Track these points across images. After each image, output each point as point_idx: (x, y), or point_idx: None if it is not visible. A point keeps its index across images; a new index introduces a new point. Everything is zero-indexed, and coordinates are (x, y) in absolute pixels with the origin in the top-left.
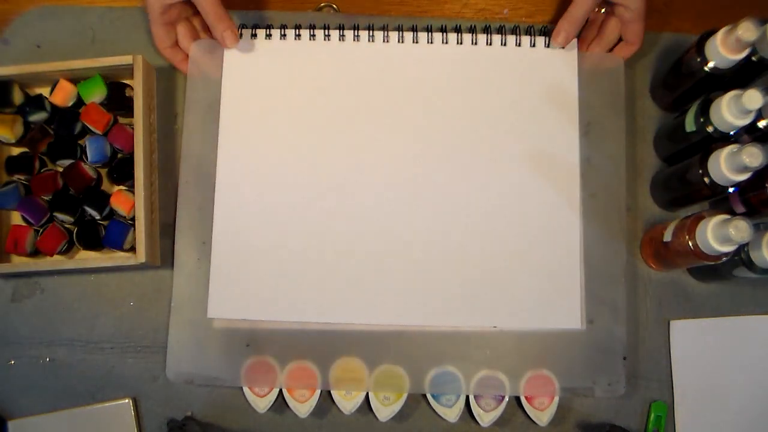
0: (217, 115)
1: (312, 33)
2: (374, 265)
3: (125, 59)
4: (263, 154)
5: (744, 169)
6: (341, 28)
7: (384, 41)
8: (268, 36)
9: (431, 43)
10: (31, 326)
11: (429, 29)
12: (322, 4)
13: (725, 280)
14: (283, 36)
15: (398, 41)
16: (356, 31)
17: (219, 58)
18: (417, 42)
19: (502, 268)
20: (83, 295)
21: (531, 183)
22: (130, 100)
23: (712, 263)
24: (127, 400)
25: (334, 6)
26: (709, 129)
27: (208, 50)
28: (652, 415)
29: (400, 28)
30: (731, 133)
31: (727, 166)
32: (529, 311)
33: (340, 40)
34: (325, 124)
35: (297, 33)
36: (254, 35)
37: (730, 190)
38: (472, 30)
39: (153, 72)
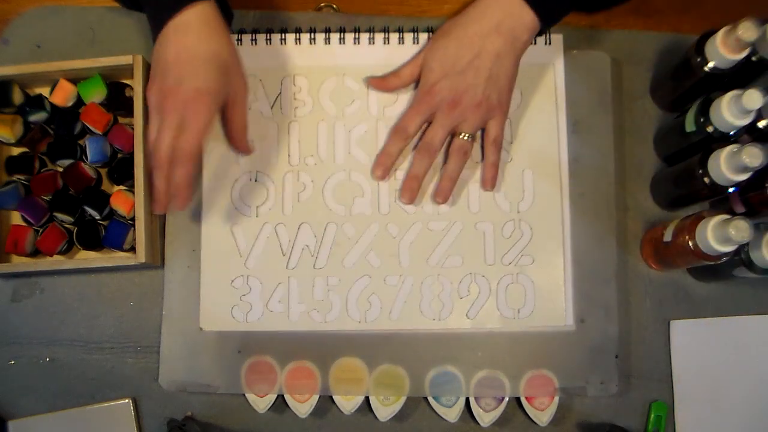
0: None
1: (312, 37)
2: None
3: (125, 59)
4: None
5: (744, 169)
6: (342, 30)
7: (385, 43)
8: (268, 41)
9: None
10: (31, 326)
11: (430, 30)
12: (321, 4)
13: (725, 280)
14: (283, 41)
15: (398, 43)
16: (357, 34)
17: None
18: (417, 43)
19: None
20: (83, 295)
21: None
22: (130, 100)
23: (712, 263)
24: (127, 400)
25: (334, 6)
26: (709, 129)
27: None
28: (652, 415)
29: (400, 30)
30: (731, 133)
31: (727, 166)
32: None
33: (340, 43)
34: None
35: (297, 37)
36: (254, 41)
37: (730, 190)
38: None
39: None
